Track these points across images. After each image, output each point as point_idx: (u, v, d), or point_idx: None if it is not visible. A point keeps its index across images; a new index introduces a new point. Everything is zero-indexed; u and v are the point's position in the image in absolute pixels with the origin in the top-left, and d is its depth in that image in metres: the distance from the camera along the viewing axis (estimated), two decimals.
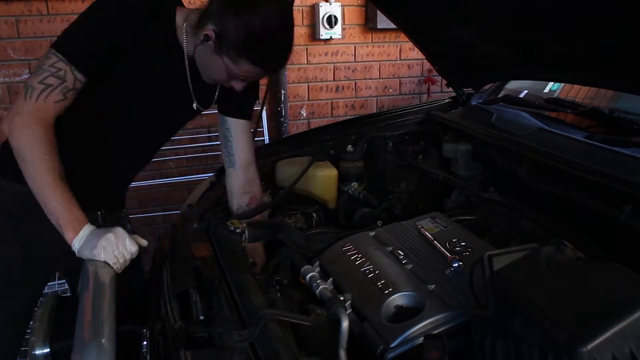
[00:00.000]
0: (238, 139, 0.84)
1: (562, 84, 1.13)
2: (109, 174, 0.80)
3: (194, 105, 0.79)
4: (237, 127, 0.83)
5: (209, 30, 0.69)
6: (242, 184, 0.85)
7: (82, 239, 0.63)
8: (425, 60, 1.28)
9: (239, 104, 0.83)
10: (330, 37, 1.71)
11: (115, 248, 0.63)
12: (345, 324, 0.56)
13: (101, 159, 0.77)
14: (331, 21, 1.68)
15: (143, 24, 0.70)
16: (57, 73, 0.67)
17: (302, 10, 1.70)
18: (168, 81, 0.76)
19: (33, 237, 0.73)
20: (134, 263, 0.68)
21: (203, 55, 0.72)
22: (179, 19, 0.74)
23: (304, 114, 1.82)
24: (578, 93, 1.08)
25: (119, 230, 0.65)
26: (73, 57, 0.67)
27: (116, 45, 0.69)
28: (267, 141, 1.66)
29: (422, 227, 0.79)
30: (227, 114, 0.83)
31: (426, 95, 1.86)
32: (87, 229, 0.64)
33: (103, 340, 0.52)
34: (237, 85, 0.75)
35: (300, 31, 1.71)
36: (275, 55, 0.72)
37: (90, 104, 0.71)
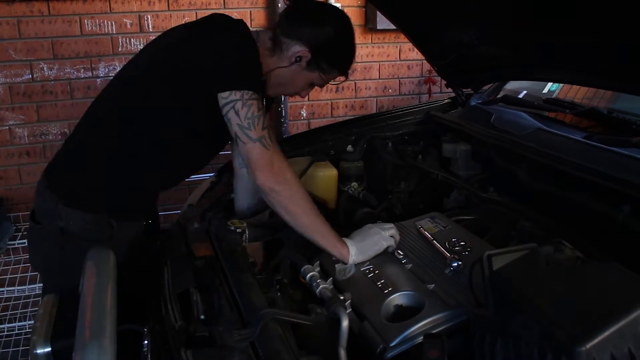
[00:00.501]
0: None
1: (561, 85, 1.13)
2: (170, 182, 0.86)
3: None
4: None
5: (301, 50, 0.75)
6: (253, 184, 0.87)
7: (354, 250, 0.70)
8: (425, 61, 1.30)
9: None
10: None
11: (381, 232, 0.71)
12: (345, 323, 0.57)
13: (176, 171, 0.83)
14: None
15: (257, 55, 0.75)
16: (262, 112, 0.69)
17: None
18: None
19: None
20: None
21: (290, 74, 0.77)
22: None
23: (304, 114, 1.82)
24: (577, 93, 1.09)
25: (367, 226, 0.73)
26: (258, 90, 0.70)
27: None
28: None
29: (421, 227, 0.79)
30: None
31: (427, 95, 1.86)
32: (349, 242, 0.71)
33: (104, 340, 0.52)
34: (306, 93, 0.83)
35: None
36: (354, 56, 0.81)
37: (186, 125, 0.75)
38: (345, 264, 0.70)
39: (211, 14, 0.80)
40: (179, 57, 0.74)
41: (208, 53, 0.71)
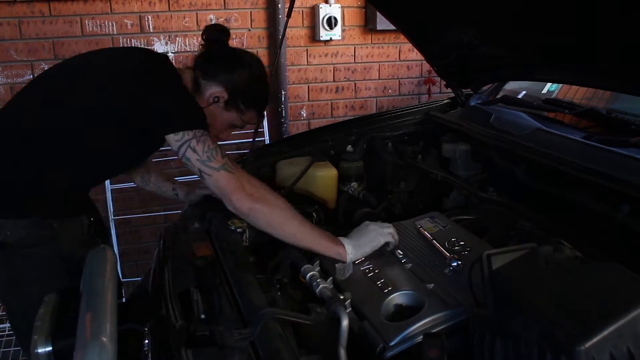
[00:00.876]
0: None
1: (560, 85, 1.13)
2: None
3: None
4: None
5: (218, 91, 0.79)
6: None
7: (350, 248, 0.71)
8: (425, 61, 1.30)
9: None
10: (330, 38, 1.71)
11: (381, 228, 0.72)
12: (345, 322, 0.57)
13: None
14: (331, 22, 1.69)
15: None
16: (214, 144, 0.71)
17: (302, 11, 1.71)
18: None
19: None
20: None
21: (209, 114, 0.77)
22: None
23: (304, 115, 1.82)
24: (576, 94, 1.09)
25: (364, 223, 0.74)
26: (205, 126, 0.72)
27: None
28: (267, 141, 1.67)
29: (421, 227, 0.79)
30: None
31: (426, 95, 1.87)
32: (344, 240, 0.72)
33: (105, 339, 0.52)
34: (227, 134, 0.85)
35: (300, 32, 1.72)
36: (268, 98, 0.85)
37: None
38: (344, 262, 0.70)
39: (131, 49, 0.83)
40: (117, 100, 0.74)
41: (151, 99, 0.73)
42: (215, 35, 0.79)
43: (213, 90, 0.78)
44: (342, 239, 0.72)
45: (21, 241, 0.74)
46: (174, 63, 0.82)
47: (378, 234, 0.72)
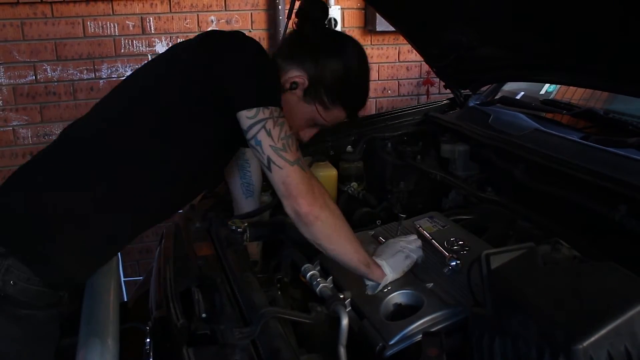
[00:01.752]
0: (255, 166, 0.79)
1: (558, 86, 1.13)
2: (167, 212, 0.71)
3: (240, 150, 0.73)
4: (253, 156, 0.70)
5: (298, 75, 0.63)
6: (254, 207, 0.80)
7: (388, 269, 0.65)
8: (424, 63, 1.29)
9: None
10: None
11: (409, 244, 0.67)
12: (345, 321, 0.57)
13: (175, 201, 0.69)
14: (331, 24, 1.69)
15: None
16: (290, 131, 0.58)
17: None
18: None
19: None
20: None
21: (285, 103, 0.62)
22: None
23: None
24: (574, 95, 1.09)
25: (391, 241, 0.68)
26: (280, 103, 0.58)
27: None
28: None
29: (420, 227, 0.80)
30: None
31: (425, 96, 1.88)
32: (381, 262, 0.65)
33: (107, 338, 0.53)
34: (309, 134, 0.69)
35: None
36: (365, 98, 0.69)
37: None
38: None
39: (212, 31, 0.66)
40: (194, 78, 0.59)
41: (228, 70, 0.58)
42: (313, 12, 0.63)
43: (293, 73, 0.62)
44: (379, 260, 0.65)
45: (22, 300, 0.55)
46: None
47: (410, 251, 0.67)
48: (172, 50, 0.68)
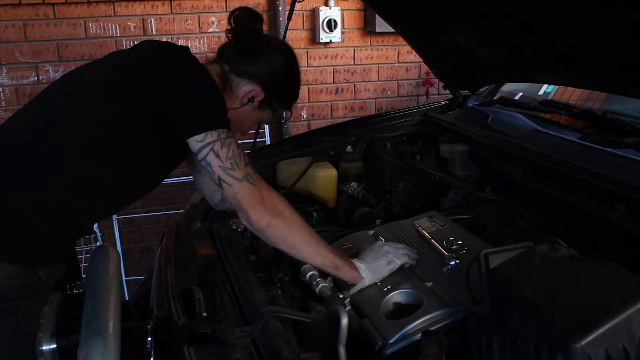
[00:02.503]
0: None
1: (556, 87, 1.14)
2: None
3: None
4: None
5: (254, 90, 0.70)
6: (209, 183, 0.81)
7: (366, 272, 0.66)
8: (423, 63, 1.30)
9: None
10: (330, 40, 1.73)
11: (396, 250, 0.68)
12: (344, 320, 0.57)
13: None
14: (331, 25, 1.70)
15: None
16: (238, 147, 0.63)
17: (303, 14, 1.72)
18: None
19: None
20: None
21: (240, 114, 0.70)
22: None
23: (305, 116, 1.83)
24: (572, 95, 1.10)
25: (377, 244, 0.69)
26: (225, 123, 0.63)
27: None
28: (268, 142, 1.68)
29: (419, 226, 0.80)
30: None
31: (424, 97, 1.88)
32: (360, 264, 0.67)
33: (109, 336, 0.53)
34: (253, 129, 0.80)
35: (300, 35, 1.73)
36: (298, 92, 0.76)
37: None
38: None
39: (148, 42, 0.70)
40: (137, 98, 0.63)
41: (171, 94, 0.63)
42: (249, 23, 0.68)
43: (248, 88, 0.68)
44: (357, 262, 0.67)
45: (6, 292, 0.61)
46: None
47: (394, 256, 0.67)
48: (113, 60, 0.70)
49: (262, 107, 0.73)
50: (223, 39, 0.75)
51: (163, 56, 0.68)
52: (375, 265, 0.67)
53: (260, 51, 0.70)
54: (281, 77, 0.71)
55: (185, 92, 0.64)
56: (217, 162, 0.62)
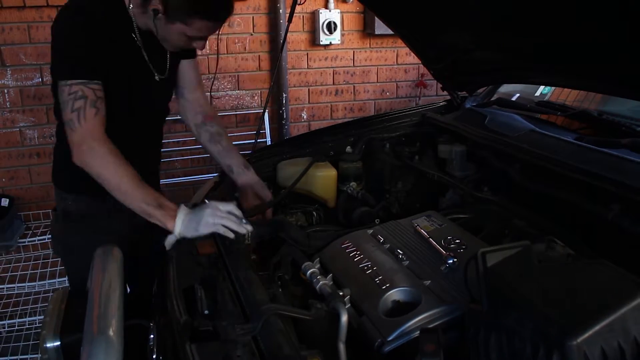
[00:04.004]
0: (185, 73, 0.92)
1: (553, 88, 1.15)
2: (137, 159, 0.82)
3: (156, 77, 0.85)
4: (185, 65, 0.91)
5: (155, 4, 0.75)
6: (192, 106, 0.94)
7: (181, 226, 0.71)
8: (421, 65, 1.32)
9: (186, 51, 0.87)
10: (330, 42, 1.74)
11: (216, 210, 0.71)
12: (344, 318, 0.58)
13: (127, 148, 0.80)
14: (331, 27, 1.71)
15: (107, 30, 0.76)
16: (77, 94, 0.73)
17: (303, 16, 1.73)
18: (133, 65, 0.82)
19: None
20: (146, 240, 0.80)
21: (159, 29, 0.77)
22: (126, 2, 0.79)
23: (305, 117, 1.84)
24: (568, 96, 1.11)
25: (212, 203, 0.73)
26: (78, 75, 0.74)
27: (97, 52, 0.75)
28: (269, 142, 1.68)
29: (418, 225, 0.80)
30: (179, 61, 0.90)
31: (423, 97, 1.90)
32: (182, 212, 0.72)
33: (111, 334, 0.53)
34: (199, 45, 0.81)
35: (300, 37, 1.74)
36: (221, 4, 0.77)
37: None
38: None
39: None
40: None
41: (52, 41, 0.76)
42: None
43: (151, 3, 0.75)
44: (180, 212, 0.72)
45: (80, 212, 0.83)
46: None
47: (215, 216, 0.71)
48: None
49: (170, 19, 0.76)
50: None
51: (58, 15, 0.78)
52: (195, 222, 0.72)
53: None
54: None
55: (53, 40, 0.76)
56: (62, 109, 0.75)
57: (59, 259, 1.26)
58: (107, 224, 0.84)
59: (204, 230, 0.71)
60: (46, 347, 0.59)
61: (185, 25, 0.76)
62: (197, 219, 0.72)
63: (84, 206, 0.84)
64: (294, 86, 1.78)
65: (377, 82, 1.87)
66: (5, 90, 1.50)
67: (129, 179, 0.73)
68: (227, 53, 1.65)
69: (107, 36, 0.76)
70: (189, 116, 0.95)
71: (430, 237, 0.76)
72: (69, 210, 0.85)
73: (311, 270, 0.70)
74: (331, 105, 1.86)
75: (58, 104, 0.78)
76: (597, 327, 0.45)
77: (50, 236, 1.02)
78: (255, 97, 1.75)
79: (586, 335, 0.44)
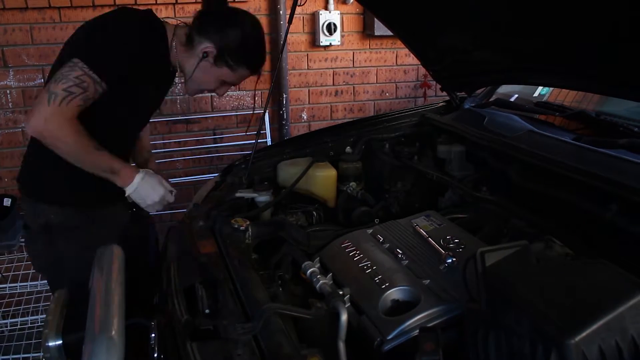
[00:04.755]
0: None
1: (551, 89, 1.15)
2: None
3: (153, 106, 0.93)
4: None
5: (208, 47, 0.81)
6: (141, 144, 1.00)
7: (136, 187, 0.78)
8: (420, 66, 1.31)
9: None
10: (330, 43, 1.74)
11: (162, 182, 0.81)
12: (344, 317, 0.58)
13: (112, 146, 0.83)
14: (330, 28, 1.72)
15: (152, 47, 0.80)
16: (82, 84, 0.74)
17: (303, 18, 1.73)
18: (157, 88, 0.88)
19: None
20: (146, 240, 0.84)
21: (200, 70, 0.83)
22: (169, 34, 0.84)
23: (305, 117, 1.84)
24: (566, 97, 1.11)
25: (158, 179, 0.81)
26: (100, 71, 0.75)
27: (131, 63, 0.77)
28: (269, 143, 1.69)
29: (417, 225, 0.81)
30: None
31: (422, 98, 1.90)
32: (138, 178, 0.79)
33: (113, 333, 0.54)
34: (223, 90, 0.88)
35: (301, 38, 1.75)
36: (263, 57, 0.86)
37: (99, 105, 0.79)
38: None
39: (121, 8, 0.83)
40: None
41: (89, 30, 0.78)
42: None
43: (203, 45, 0.80)
44: (139, 175, 0.79)
45: (63, 224, 0.82)
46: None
47: (162, 186, 0.81)
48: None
49: (217, 63, 0.81)
50: None
51: (101, 21, 0.82)
52: (147, 183, 0.80)
53: (222, 15, 0.82)
54: (237, 38, 0.80)
55: (94, 30, 0.79)
56: (59, 71, 0.76)
57: None
58: (94, 234, 0.83)
59: (154, 195, 0.80)
60: (48, 345, 0.59)
61: (230, 72, 0.82)
62: (151, 184, 0.79)
63: (69, 218, 0.83)
64: (294, 87, 1.78)
65: (377, 82, 1.87)
66: (8, 91, 1.51)
67: (87, 141, 0.75)
68: None
69: (147, 58, 0.80)
70: (137, 154, 1.00)
71: (429, 236, 0.77)
72: (51, 224, 0.83)
73: (311, 269, 0.70)
74: (331, 105, 1.86)
75: None
76: (595, 326, 0.45)
77: (28, 255, 0.95)
78: (256, 98, 1.76)
79: (584, 334, 0.45)
